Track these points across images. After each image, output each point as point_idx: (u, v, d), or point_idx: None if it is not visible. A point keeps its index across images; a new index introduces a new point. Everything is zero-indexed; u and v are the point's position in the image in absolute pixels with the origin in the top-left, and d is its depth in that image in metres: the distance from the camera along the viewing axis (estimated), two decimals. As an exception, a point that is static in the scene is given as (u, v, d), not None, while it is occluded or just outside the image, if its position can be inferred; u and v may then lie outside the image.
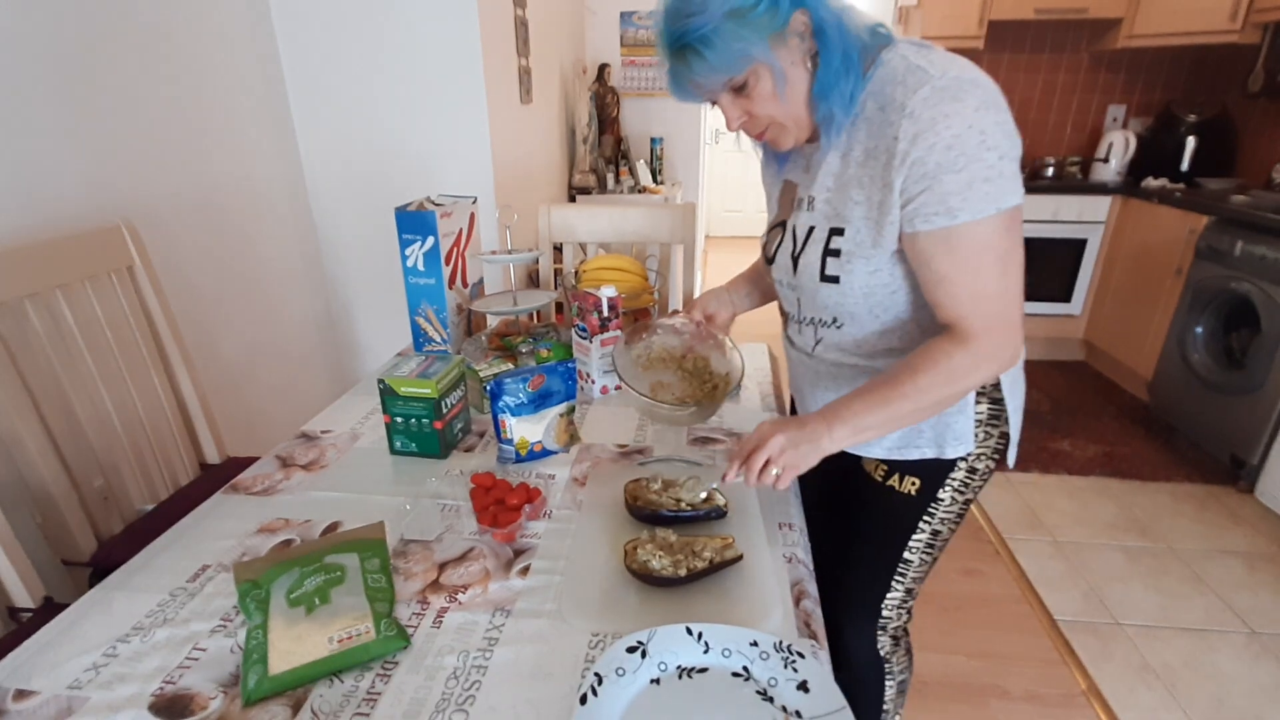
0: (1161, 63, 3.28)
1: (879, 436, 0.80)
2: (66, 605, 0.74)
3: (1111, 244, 3.09)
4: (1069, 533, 2.07)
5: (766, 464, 0.74)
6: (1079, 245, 3.14)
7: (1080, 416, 2.81)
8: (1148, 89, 3.36)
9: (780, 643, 0.63)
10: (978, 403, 0.85)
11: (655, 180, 3.66)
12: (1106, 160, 3.25)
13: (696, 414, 0.95)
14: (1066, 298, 3.24)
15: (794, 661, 0.62)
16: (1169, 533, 2.07)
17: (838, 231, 0.78)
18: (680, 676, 0.62)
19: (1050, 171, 3.36)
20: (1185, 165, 3.09)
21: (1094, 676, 1.55)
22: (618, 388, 1.22)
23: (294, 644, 0.63)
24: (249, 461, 1.06)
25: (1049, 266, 3.19)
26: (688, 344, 1.08)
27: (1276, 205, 2.36)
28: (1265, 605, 1.77)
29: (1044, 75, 3.41)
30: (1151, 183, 3.00)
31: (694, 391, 1.01)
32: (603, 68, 3.50)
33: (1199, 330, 2.50)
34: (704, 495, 0.86)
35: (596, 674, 0.60)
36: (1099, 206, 3.07)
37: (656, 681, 0.61)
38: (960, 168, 0.66)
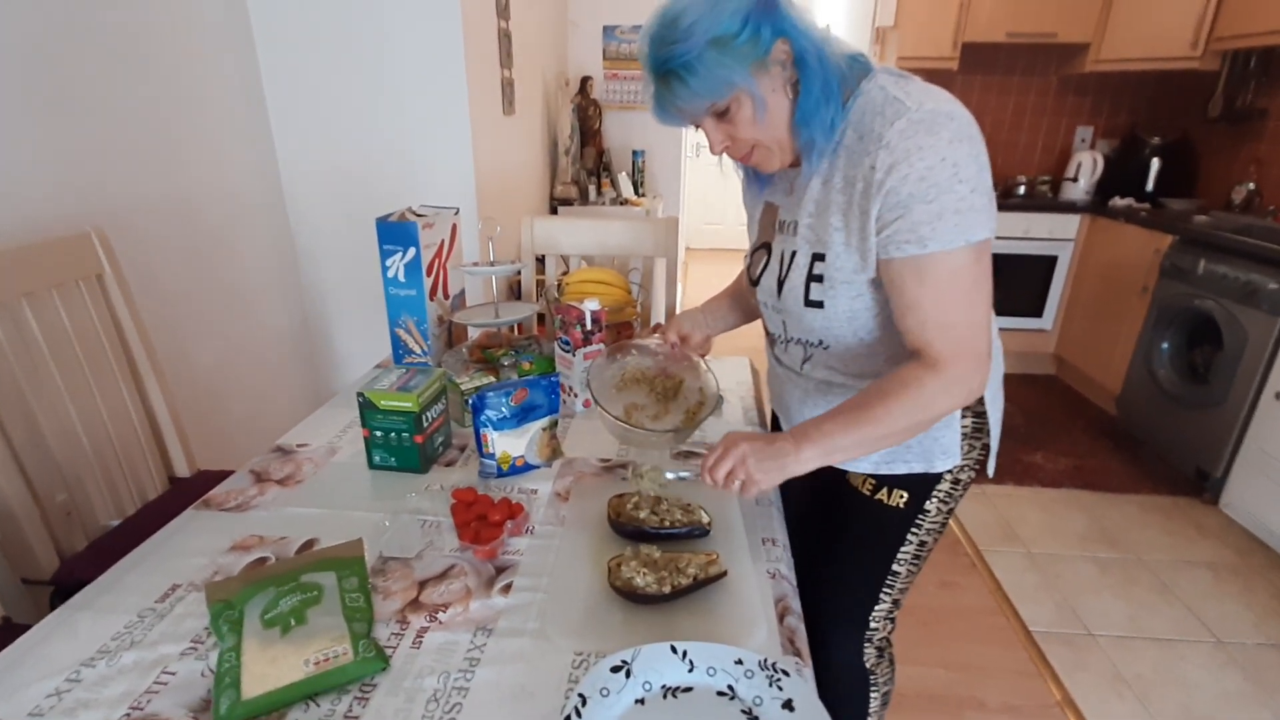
0: (1126, 87, 3.40)
1: (849, 459, 0.79)
2: (26, 626, 0.71)
3: (1081, 261, 3.18)
4: (1042, 544, 2.11)
5: (732, 473, 0.74)
6: (1049, 262, 3.22)
7: (1052, 430, 2.86)
8: (1114, 112, 3.48)
9: (765, 661, 0.63)
10: (963, 417, 0.87)
11: (637, 193, 3.68)
12: (1075, 180, 3.35)
13: (673, 438, 0.94)
14: (1038, 313, 3.32)
15: (779, 680, 0.62)
16: (1138, 544, 2.12)
17: (819, 257, 0.79)
18: (665, 696, 0.62)
19: (1022, 190, 3.45)
20: (1150, 186, 3.19)
21: (1068, 687, 1.58)
22: (586, 403, 1.21)
23: (268, 667, 0.62)
24: (220, 475, 1.03)
25: (1021, 282, 3.26)
26: (662, 365, 1.07)
27: (1236, 226, 2.45)
28: (1231, 615, 1.82)
29: (1015, 97, 3.51)
30: (1118, 202, 3.10)
31: (664, 410, 1.00)
32: (585, 80, 3.52)
33: (1164, 346, 2.58)
34: (666, 478, 0.85)
35: (580, 695, 0.59)
36: (1068, 224, 3.16)
37: (641, 702, 0.61)
38: (931, 199, 0.68)
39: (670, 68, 0.70)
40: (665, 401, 1.02)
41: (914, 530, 0.92)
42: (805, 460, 0.74)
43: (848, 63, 0.76)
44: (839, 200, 0.76)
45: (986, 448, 0.90)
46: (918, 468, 0.87)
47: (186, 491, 1.27)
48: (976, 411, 0.88)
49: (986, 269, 0.73)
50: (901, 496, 0.90)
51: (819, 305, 0.80)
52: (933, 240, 0.69)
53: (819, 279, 0.79)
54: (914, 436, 0.82)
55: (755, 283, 0.91)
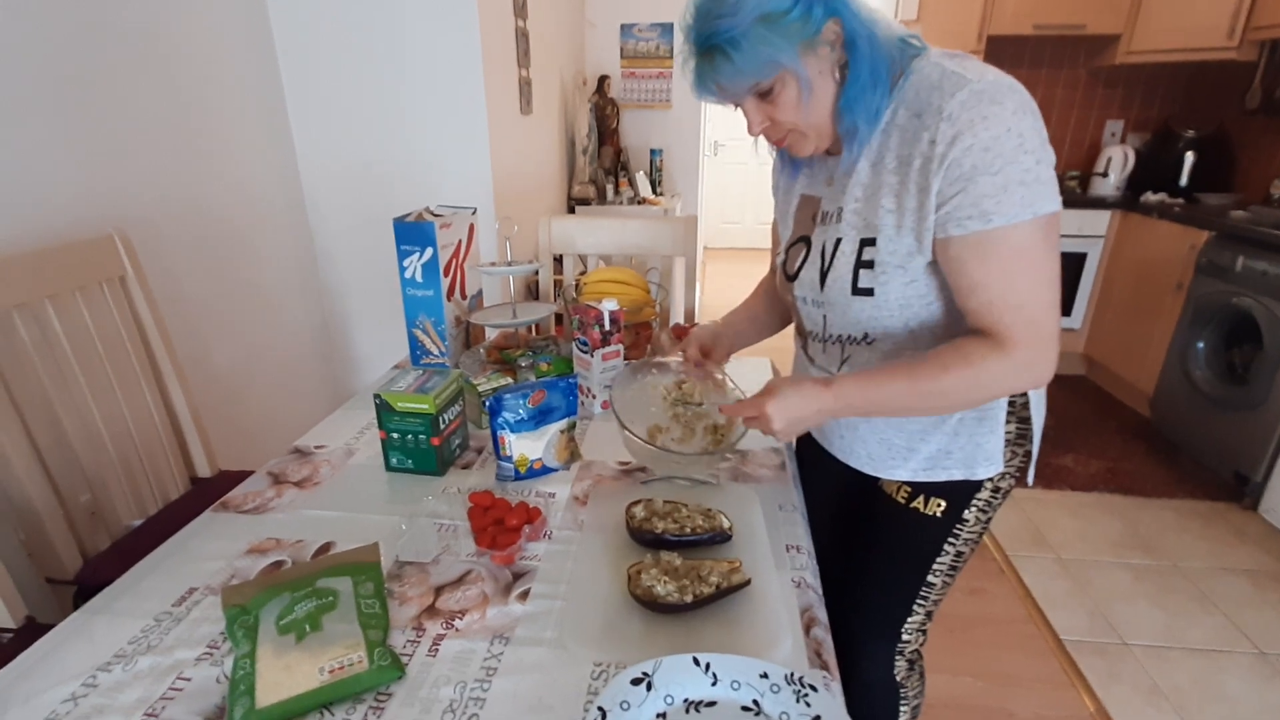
0: (1159, 79, 3.30)
1: (885, 416, 0.79)
2: (49, 625, 0.71)
3: (1111, 258, 3.09)
4: (1074, 550, 2.05)
5: (756, 419, 0.77)
6: (1079, 259, 3.14)
7: (1082, 432, 2.79)
8: (1146, 105, 3.38)
9: (792, 674, 0.60)
10: (1007, 422, 0.83)
11: (654, 192, 3.66)
12: (1105, 175, 3.26)
13: (705, 462, 0.90)
14: (1067, 311, 3.23)
15: (806, 695, 0.59)
16: (1174, 550, 2.05)
17: (869, 242, 0.75)
18: (687, 710, 0.59)
19: (1049, 186, 3.37)
20: (1184, 180, 3.10)
21: (1102, 699, 1.52)
22: (604, 405, 1.19)
23: (283, 674, 0.61)
24: (241, 475, 1.03)
25: None
26: (682, 382, 1.03)
27: (1276, 221, 2.36)
28: (1273, 625, 1.75)
29: (1042, 90, 3.43)
30: (1150, 198, 3.01)
31: (688, 433, 0.96)
32: (602, 79, 3.50)
33: (1200, 346, 2.49)
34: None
35: (600, 708, 0.57)
36: (1098, 221, 3.08)
37: (663, 716, 0.59)
38: (997, 170, 0.65)
39: (715, 43, 0.67)
40: (689, 423, 0.98)
41: (951, 540, 0.88)
42: (841, 414, 0.76)
43: (899, 45, 0.72)
44: (891, 181, 0.72)
45: (1029, 454, 0.86)
46: (957, 475, 0.84)
47: (208, 492, 1.27)
48: (1021, 417, 0.84)
49: (1054, 247, 0.68)
50: (939, 505, 0.86)
51: (869, 293, 0.76)
52: (997, 214, 0.65)
53: (869, 265, 0.75)
54: (957, 411, 0.80)
55: (793, 278, 0.87)
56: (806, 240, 0.84)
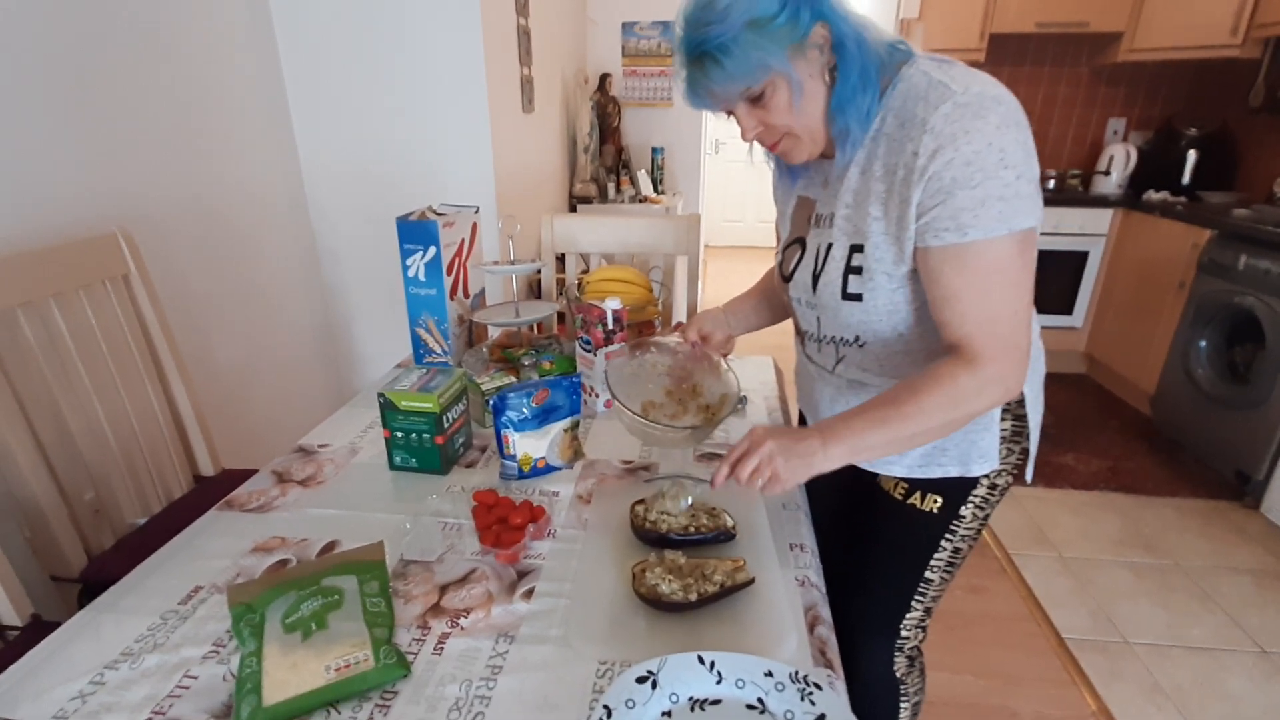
0: (1162, 77, 3.30)
1: (878, 457, 0.76)
2: (55, 623, 0.72)
3: (1113, 257, 3.09)
4: (1075, 548, 2.05)
5: (756, 469, 0.71)
6: (1080, 258, 3.14)
7: (1083, 430, 2.79)
8: (1148, 103, 3.37)
9: (796, 673, 0.61)
10: (1002, 419, 0.84)
11: (656, 190, 3.66)
12: (1107, 173, 3.26)
13: (691, 436, 0.91)
14: (1068, 310, 3.23)
15: (811, 693, 0.59)
16: (1176, 549, 2.05)
17: (858, 248, 0.76)
18: (692, 708, 0.60)
19: (1051, 184, 3.37)
20: (1186, 179, 3.09)
21: (1104, 697, 1.53)
22: (608, 404, 1.19)
23: (289, 672, 0.61)
24: (244, 474, 1.04)
25: (1050, 279, 3.17)
26: (681, 364, 1.05)
27: (1279, 219, 2.36)
28: (1274, 623, 1.75)
29: (1045, 88, 3.42)
30: (1153, 196, 3.01)
31: (682, 410, 0.98)
32: (604, 77, 3.50)
33: (1202, 344, 2.49)
34: (688, 503, 0.83)
35: (605, 706, 0.57)
36: (1100, 219, 3.07)
37: (668, 714, 0.59)
38: (976, 184, 0.65)
39: (705, 49, 0.68)
40: (683, 401, 1.00)
41: (948, 537, 0.88)
42: (833, 458, 0.71)
43: (887, 49, 0.73)
44: (878, 189, 0.73)
45: (1025, 452, 0.87)
46: (953, 471, 0.84)
47: (211, 490, 1.28)
48: (1016, 414, 0.85)
49: (1030, 261, 0.70)
50: (935, 501, 0.86)
51: (858, 298, 0.78)
52: (974, 228, 0.66)
53: (857, 271, 0.77)
54: (946, 435, 0.79)
55: (788, 279, 0.88)
56: (802, 242, 0.86)
